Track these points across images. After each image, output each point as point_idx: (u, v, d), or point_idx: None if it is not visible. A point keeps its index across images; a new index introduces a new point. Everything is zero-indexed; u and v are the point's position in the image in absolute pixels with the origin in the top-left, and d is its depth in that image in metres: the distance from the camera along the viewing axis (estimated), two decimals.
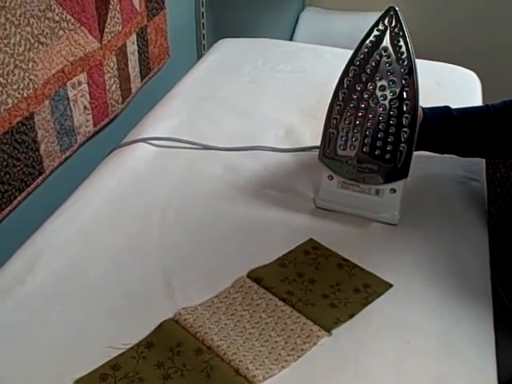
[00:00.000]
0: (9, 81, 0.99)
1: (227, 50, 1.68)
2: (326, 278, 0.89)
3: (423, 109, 1.05)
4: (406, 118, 0.95)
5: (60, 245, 0.95)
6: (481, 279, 0.91)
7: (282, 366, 0.75)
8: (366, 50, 0.95)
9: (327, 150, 1.01)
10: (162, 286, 0.87)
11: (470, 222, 1.02)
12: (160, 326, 0.80)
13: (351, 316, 0.82)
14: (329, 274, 0.90)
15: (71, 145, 1.22)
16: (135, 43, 1.44)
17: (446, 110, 1.07)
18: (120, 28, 1.34)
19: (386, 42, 0.94)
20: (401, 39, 0.93)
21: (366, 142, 0.98)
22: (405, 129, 0.95)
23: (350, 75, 0.96)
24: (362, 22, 2.37)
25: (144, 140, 1.21)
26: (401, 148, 0.96)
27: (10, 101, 1.00)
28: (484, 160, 1.20)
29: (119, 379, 0.73)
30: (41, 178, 1.13)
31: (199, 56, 1.91)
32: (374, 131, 0.97)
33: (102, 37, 1.26)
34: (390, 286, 0.88)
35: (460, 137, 1.06)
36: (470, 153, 1.11)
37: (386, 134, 0.96)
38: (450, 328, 0.82)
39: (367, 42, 0.95)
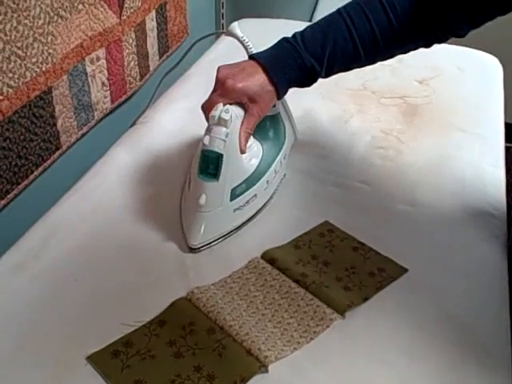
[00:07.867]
0: (28, 54, 0.99)
1: (246, 30, 1.66)
2: (340, 260, 0.88)
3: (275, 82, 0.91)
4: None
5: (75, 221, 0.95)
6: (498, 266, 0.90)
7: (295, 348, 0.75)
8: None
9: None
10: (176, 265, 0.87)
11: (488, 207, 1.01)
12: (172, 304, 0.80)
13: (365, 300, 0.82)
14: (343, 257, 0.89)
15: (88, 121, 1.22)
16: (154, 20, 1.43)
17: (303, 69, 0.93)
18: (139, 4, 1.33)
19: None
20: None
21: None
22: None
23: None
24: None
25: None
26: None
27: (28, 74, 1.00)
28: (503, 147, 1.18)
29: (131, 356, 0.73)
30: (57, 153, 1.13)
31: (217, 35, 1.89)
32: None
33: (121, 12, 1.25)
34: (405, 270, 0.87)
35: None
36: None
37: None
38: (463, 314, 0.81)
39: None
